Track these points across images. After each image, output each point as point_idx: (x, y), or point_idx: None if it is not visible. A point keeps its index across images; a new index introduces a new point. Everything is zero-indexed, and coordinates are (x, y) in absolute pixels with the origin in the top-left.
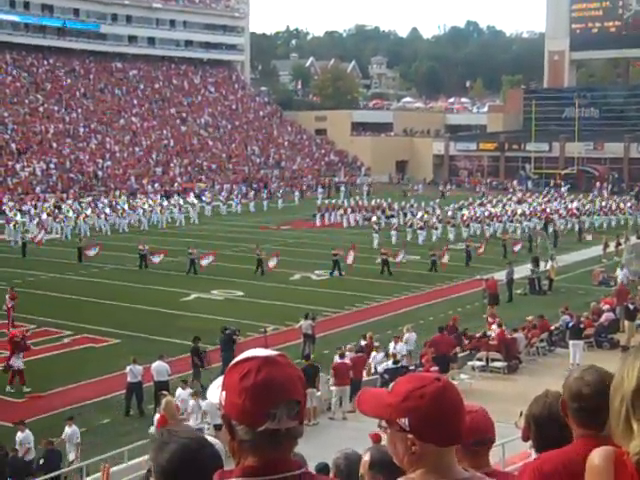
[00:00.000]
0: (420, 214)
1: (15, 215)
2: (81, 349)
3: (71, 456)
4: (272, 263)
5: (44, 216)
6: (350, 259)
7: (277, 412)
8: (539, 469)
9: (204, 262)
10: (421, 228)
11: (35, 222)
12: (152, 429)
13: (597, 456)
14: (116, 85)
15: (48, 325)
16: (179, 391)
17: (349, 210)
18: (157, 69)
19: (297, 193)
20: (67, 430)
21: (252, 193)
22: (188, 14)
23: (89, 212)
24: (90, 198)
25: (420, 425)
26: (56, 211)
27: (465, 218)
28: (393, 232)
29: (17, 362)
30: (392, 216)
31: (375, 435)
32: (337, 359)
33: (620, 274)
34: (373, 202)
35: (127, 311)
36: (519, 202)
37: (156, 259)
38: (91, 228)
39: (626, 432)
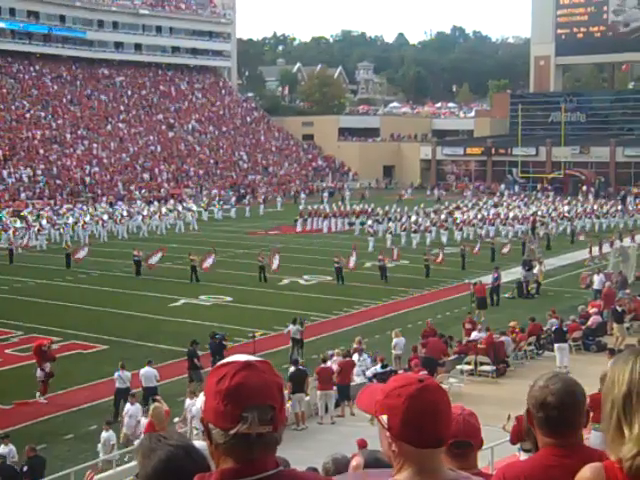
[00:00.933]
0: (414, 217)
1: (15, 222)
2: (69, 355)
3: None
4: (275, 264)
5: (44, 222)
6: (352, 263)
7: (249, 416)
8: (503, 475)
9: (154, 260)
10: (415, 232)
11: (35, 229)
12: (99, 447)
13: (589, 470)
14: (103, 91)
15: (36, 332)
16: (127, 406)
17: (330, 215)
18: (144, 75)
19: (279, 199)
20: (3, 449)
21: (233, 199)
22: (174, 20)
23: (87, 219)
24: (66, 206)
25: (396, 424)
26: (55, 218)
27: (459, 221)
28: (388, 235)
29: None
30: (376, 221)
31: (361, 440)
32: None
33: (596, 279)
34: (357, 207)
35: (115, 317)
36: (495, 206)
37: (154, 259)
38: (89, 235)
39: (617, 437)
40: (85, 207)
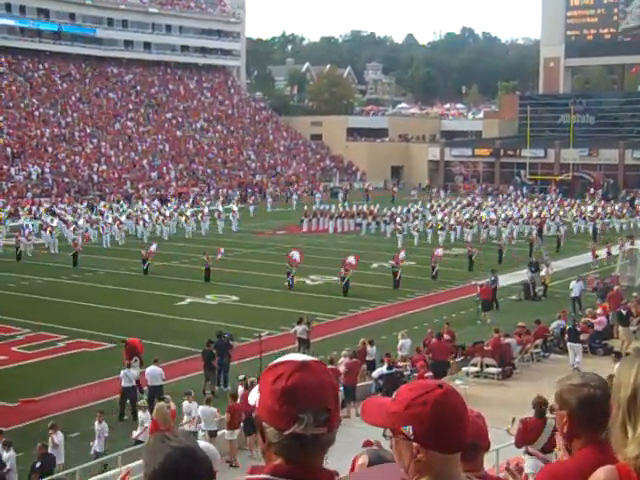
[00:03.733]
0: (440, 215)
1: (52, 221)
2: (75, 353)
3: None
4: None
5: (81, 222)
6: (352, 260)
7: (305, 417)
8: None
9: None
10: (441, 229)
11: (72, 228)
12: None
13: (602, 472)
14: (112, 90)
15: (42, 329)
16: (4, 454)
17: (336, 215)
18: (153, 74)
19: (269, 199)
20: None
21: (220, 201)
22: (184, 19)
23: (124, 218)
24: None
25: (424, 432)
26: (91, 216)
27: (484, 220)
28: (414, 233)
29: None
30: (385, 222)
31: (367, 442)
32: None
33: (576, 286)
34: (365, 207)
35: (122, 315)
36: (467, 205)
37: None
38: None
39: (622, 438)
40: (122, 205)
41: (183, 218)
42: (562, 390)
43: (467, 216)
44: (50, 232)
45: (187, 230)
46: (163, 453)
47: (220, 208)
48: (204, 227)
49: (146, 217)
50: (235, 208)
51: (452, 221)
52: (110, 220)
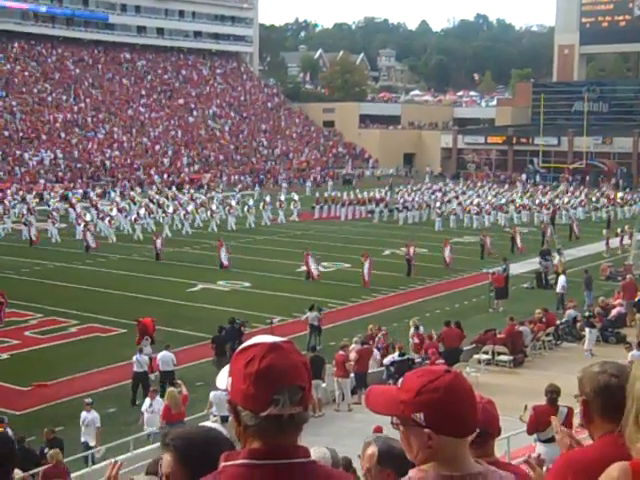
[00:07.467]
0: (477, 200)
1: (111, 210)
2: (88, 338)
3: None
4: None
5: (142, 211)
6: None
7: (280, 398)
8: (568, 468)
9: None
10: (477, 213)
11: (132, 217)
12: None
13: (616, 469)
14: (124, 75)
15: (55, 314)
16: None
17: (347, 202)
18: (165, 60)
19: (257, 188)
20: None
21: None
22: (197, 5)
23: (190, 208)
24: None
25: (437, 418)
26: (152, 206)
27: (518, 205)
28: (452, 217)
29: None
30: (397, 209)
31: (378, 428)
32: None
33: (561, 281)
34: (377, 194)
35: (134, 301)
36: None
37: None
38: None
39: (635, 432)
40: (184, 196)
41: (246, 207)
42: (582, 376)
43: (503, 201)
44: (110, 222)
45: (249, 220)
46: (201, 437)
47: (282, 197)
48: (265, 216)
49: (213, 207)
50: (296, 197)
51: (487, 206)
52: (171, 209)
